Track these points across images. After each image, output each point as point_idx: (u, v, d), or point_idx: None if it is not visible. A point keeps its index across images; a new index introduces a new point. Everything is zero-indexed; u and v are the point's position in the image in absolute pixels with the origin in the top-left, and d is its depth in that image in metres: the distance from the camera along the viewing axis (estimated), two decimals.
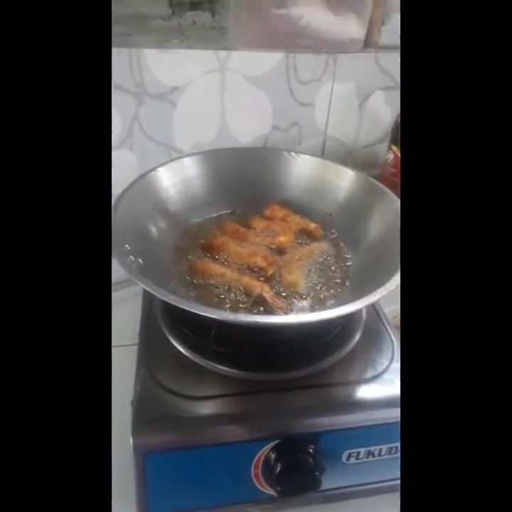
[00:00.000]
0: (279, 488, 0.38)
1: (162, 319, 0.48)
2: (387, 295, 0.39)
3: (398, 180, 0.67)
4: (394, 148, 0.66)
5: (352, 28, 0.65)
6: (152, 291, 0.38)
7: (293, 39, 0.66)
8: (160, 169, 0.55)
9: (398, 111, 0.67)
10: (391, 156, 0.67)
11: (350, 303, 0.38)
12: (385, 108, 0.74)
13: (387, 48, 0.68)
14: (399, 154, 0.66)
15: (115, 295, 0.61)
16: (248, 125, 0.73)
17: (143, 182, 0.53)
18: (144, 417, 0.39)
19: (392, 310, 0.53)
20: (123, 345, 0.53)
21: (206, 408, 0.40)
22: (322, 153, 0.77)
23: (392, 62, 0.70)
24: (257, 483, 0.41)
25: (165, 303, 0.45)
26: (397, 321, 0.54)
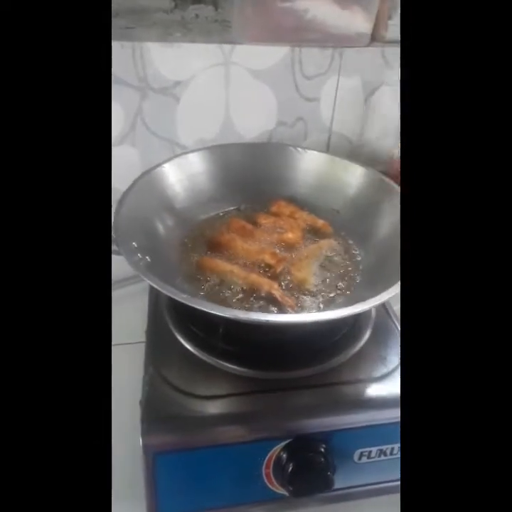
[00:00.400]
0: (291, 488, 0.38)
1: (169, 317, 0.48)
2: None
3: None
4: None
5: (358, 22, 0.64)
6: (162, 290, 0.37)
7: (298, 33, 0.65)
8: (165, 165, 0.54)
9: None
10: (397, 151, 0.67)
11: (362, 301, 0.38)
12: (391, 103, 0.73)
13: (394, 42, 0.68)
14: None
15: (121, 292, 0.60)
16: (253, 120, 0.72)
17: (148, 178, 0.52)
18: (154, 416, 0.39)
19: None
20: (129, 343, 0.53)
21: (216, 407, 0.40)
22: (327, 148, 0.76)
23: (399, 56, 0.69)
24: (268, 483, 0.40)
25: (172, 300, 0.45)
26: None
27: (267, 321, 0.36)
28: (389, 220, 0.51)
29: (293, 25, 0.64)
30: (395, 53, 0.69)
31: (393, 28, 0.66)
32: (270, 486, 0.40)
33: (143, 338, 0.47)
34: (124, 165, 0.64)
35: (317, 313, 0.39)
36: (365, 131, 0.76)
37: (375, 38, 0.68)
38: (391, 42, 0.68)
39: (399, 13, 0.65)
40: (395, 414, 0.40)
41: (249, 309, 0.45)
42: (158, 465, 0.38)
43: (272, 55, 0.67)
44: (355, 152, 0.78)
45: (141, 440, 0.37)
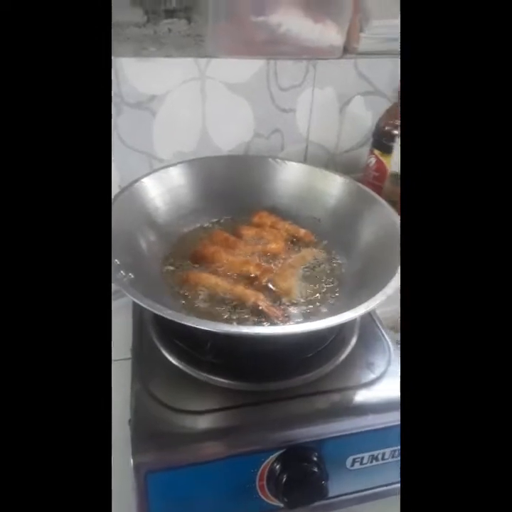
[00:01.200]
0: (286, 500, 0.38)
1: (154, 332, 0.47)
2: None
3: (380, 184, 0.68)
4: (376, 152, 0.67)
5: (331, 34, 0.66)
6: (149, 308, 0.37)
7: (272, 46, 0.66)
8: (144, 180, 0.54)
9: (378, 115, 0.68)
10: (373, 160, 0.68)
11: (348, 309, 0.38)
12: (365, 113, 0.75)
13: (366, 54, 0.69)
14: (381, 158, 0.67)
15: None
16: (229, 133, 0.72)
17: (128, 193, 0.52)
18: (144, 435, 0.38)
19: (384, 311, 0.53)
20: (114, 360, 0.52)
21: (206, 422, 0.40)
22: (304, 158, 0.77)
23: (371, 68, 0.71)
24: (262, 496, 0.40)
25: (157, 316, 0.44)
26: (389, 322, 0.54)
27: (257, 334, 0.36)
28: (369, 228, 0.52)
29: (267, 39, 0.65)
30: (366, 64, 0.70)
31: (365, 41, 0.68)
32: (265, 498, 0.40)
33: (127, 354, 0.46)
34: None
35: (306, 323, 0.40)
36: (340, 140, 0.77)
37: (347, 50, 0.69)
38: (363, 54, 0.69)
39: (370, 26, 0.66)
40: (385, 420, 0.41)
41: (236, 321, 0.45)
42: (150, 484, 0.37)
43: (248, 68, 0.67)
44: (332, 161, 0.79)
45: (132, 460, 0.37)
